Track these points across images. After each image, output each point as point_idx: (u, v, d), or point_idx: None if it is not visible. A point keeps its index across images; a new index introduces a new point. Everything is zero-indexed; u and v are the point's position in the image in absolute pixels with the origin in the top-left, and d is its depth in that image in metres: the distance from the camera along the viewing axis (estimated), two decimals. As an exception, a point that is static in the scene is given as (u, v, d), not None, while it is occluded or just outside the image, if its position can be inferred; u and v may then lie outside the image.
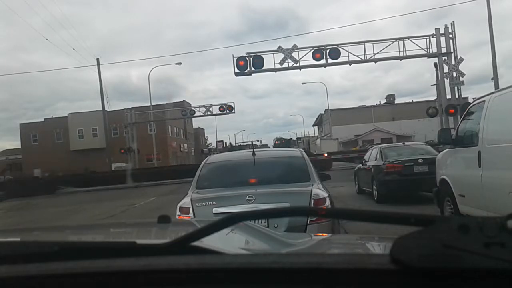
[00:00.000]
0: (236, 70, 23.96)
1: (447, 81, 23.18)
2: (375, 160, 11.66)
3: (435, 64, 23.56)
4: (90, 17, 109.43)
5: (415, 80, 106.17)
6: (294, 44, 23.94)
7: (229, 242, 1.32)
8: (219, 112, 34.61)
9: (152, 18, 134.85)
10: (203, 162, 5.70)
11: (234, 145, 72.90)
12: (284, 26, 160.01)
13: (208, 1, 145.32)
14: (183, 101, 53.18)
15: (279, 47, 23.99)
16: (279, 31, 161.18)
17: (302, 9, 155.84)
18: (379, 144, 19.06)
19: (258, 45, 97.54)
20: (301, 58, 23.98)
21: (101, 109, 33.11)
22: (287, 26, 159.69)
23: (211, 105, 34.62)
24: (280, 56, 23.96)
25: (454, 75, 22.79)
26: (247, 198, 4.30)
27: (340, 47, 23.71)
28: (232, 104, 34.32)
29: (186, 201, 4.55)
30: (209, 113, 35.00)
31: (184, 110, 38.09)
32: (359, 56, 24.04)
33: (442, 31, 23.18)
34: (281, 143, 70.96)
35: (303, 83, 63.90)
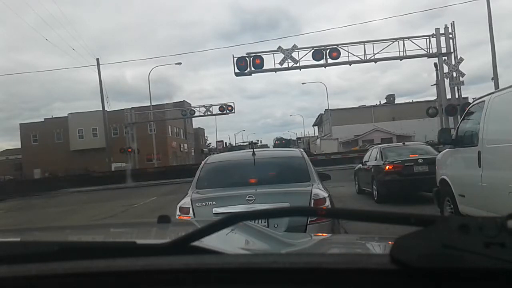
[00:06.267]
0: (236, 70, 23.97)
1: (447, 81, 23.19)
2: (375, 160, 11.66)
3: (435, 64, 23.57)
4: (83, 17, 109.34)
5: (413, 80, 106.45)
6: (294, 44, 23.95)
7: (229, 242, 1.31)
8: (219, 112, 34.64)
9: (144, 18, 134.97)
10: (203, 162, 5.70)
11: (234, 145, 72.94)
12: (276, 26, 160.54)
13: (200, 1, 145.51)
14: (183, 101, 53.20)
15: (279, 47, 24.00)
16: (271, 31, 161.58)
17: (295, 8, 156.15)
18: (379, 144, 19.06)
19: (255, 45, 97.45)
20: (301, 58, 24.02)
21: (101, 109, 33.12)
22: (280, 26, 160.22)
23: (211, 105, 34.65)
24: (280, 56, 23.99)
25: (454, 75, 22.81)
26: (247, 198, 4.30)
27: (340, 47, 23.72)
28: (232, 104, 34.42)
29: (186, 201, 4.55)
30: (209, 113, 35.00)
31: (184, 110, 38.10)
32: (359, 56, 24.06)
33: (442, 31, 23.19)
34: (281, 143, 70.99)
35: (303, 83, 64.23)
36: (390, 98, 61.28)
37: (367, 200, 11.61)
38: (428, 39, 23.56)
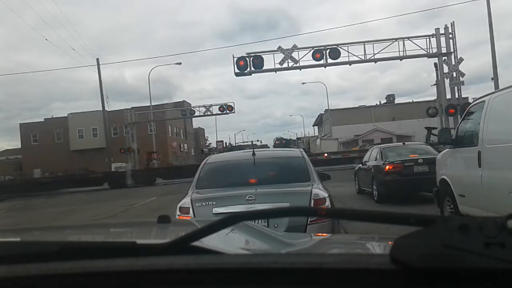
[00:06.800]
0: (237, 70, 23.95)
1: (447, 81, 23.17)
2: (375, 160, 11.66)
3: (435, 64, 23.54)
4: (83, 17, 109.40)
5: (412, 80, 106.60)
6: (294, 44, 23.93)
7: (229, 242, 1.31)
8: (219, 112, 34.58)
9: (144, 18, 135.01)
10: (203, 162, 5.70)
11: (234, 145, 72.93)
12: (275, 26, 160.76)
13: (199, 1, 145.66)
14: (183, 101, 53.22)
15: (279, 47, 23.98)
16: (271, 31, 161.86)
17: (294, 8, 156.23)
18: (379, 144, 19.06)
19: (255, 45, 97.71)
20: (301, 58, 23.97)
21: (101, 109, 33.11)
22: (280, 26, 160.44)
23: (211, 105, 34.61)
24: (280, 56, 23.97)
25: (454, 75, 22.79)
26: (247, 198, 4.30)
27: (340, 47, 23.69)
28: (232, 104, 34.34)
29: (186, 201, 4.55)
30: (209, 113, 34.96)
31: (184, 110, 38.06)
32: (359, 56, 24.04)
33: (442, 31, 23.18)
34: (281, 143, 71.06)
35: (303, 83, 64.43)
36: (390, 98, 61.26)
37: (367, 200, 11.61)
38: (428, 39, 23.54)
